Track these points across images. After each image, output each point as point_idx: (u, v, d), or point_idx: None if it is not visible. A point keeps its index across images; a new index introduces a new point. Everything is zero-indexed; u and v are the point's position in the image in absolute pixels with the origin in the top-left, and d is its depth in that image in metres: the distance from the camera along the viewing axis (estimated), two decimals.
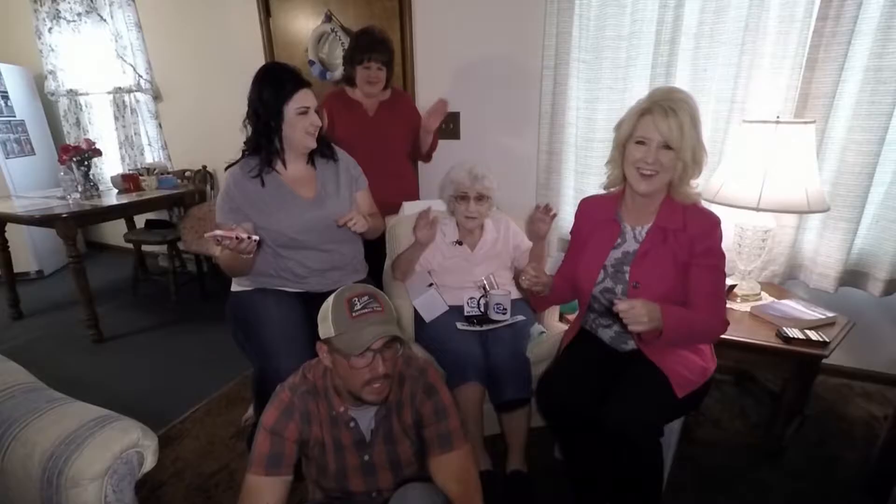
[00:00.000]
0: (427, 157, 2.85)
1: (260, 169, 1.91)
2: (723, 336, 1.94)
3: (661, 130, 1.52)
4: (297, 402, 1.38)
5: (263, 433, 1.36)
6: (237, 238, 1.60)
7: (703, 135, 1.57)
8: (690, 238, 1.60)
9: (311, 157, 2.02)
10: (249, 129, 1.93)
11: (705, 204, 1.74)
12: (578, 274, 1.78)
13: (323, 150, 2.02)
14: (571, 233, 1.92)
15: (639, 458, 1.59)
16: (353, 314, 1.26)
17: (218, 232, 1.58)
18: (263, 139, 1.89)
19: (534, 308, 2.17)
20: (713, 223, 1.61)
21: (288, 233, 1.91)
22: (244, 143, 1.96)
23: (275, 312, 1.92)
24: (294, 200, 1.94)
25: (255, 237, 1.64)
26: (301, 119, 1.87)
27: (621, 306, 1.42)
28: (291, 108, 1.85)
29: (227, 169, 1.96)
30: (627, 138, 1.60)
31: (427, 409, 1.41)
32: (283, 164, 1.95)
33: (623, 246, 1.72)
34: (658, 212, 1.66)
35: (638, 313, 1.41)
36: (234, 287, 2.06)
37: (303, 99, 1.86)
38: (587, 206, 1.86)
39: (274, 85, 1.85)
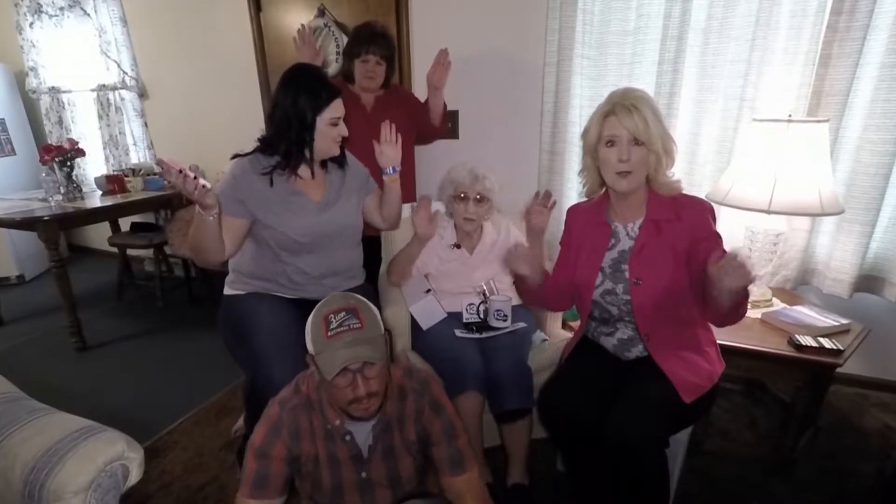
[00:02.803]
0: (441, 128, 2.82)
1: (273, 169, 1.90)
2: (732, 343, 1.97)
3: (628, 127, 1.59)
4: (285, 419, 1.38)
5: (251, 454, 1.37)
6: (181, 173, 1.52)
7: (669, 126, 1.73)
8: (689, 227, 1.65)
9: (324, 162, 2.03)
10: (271, 129, 1.91)
11: (713, 206, 1.78)
12: (577, 280, 1.82)
13: (336, 157, 2.03)
14: (561, 242, 1.97)
15: (642, 471, 1.60)
16: (329, 333, 1.25)
17: (165, 158, 1.53)
18: (293, 146, 1.88)
19: (521, 296, 2.17)
20: (706, 209, 1.69)
21: (293, 236, 1.92)
22: (258, 139, 1.95)
23: (268, 319, 1.92)
24: (301, 202, 1.95)
25: (204, 183, 1.59)
26: (332, 129, 1.88)
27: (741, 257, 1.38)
28: (325, 117, 1.86)
29: (233, 158, 1.94)
30: (597, 142, 1.68)
31: (436, 428, 1.42)
32: (311, 172, 1.97)
33: (618, 246, 1.77)
34: (647, 205, 1.72)
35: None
36: (227, 290, 2.07)
37: (336, 109, 1.87)
38: (575, 213, 1.93)
39: (309, 92, 1.84)
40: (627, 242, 1.75)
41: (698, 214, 1.66)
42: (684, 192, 1.72)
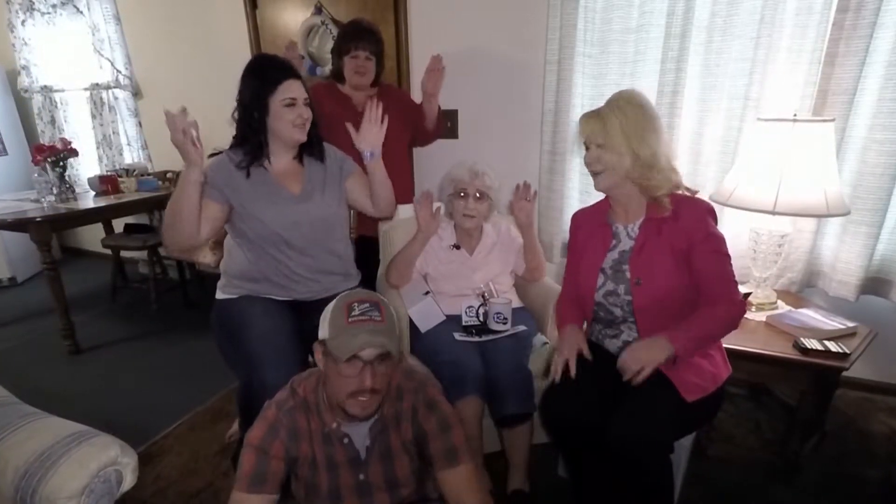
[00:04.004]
0: (436, 132, 2.86)
1: (248, 161, 1.94)
2: (736, 347, 1.97)
3: (585, 131, 1.70)
4: (283, 419, 1.39)
5: (248, 450, 1.38)
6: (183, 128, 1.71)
7: (672, 126, 1.74)
8: (685, 228, 1.66)
9: (300, 154, 2.05)
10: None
11: (717, 207, 1.80)
12: (579, 282, 1.85)
13: (313, 149, 2.05)
14: (568, 248, 1.99)
15: (646, 477, 1.60)
16: (350, 319, 1.28)
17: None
18: (250, 132, 1.93)
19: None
20: (704, 210, 1.70)
21: (272, 226, 1.93)
22: (233, 136, 2.00)
23: (262, 321, 1.92)
24: (280, 193, 1.97)
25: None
26: (288, 111, 1.89)
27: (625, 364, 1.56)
28: (277, 99, 1.88)
29: (210, 156, 1.98)
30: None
31: (430, 424, 1.43)
32: (268, 158, 1.98)
33: (619, 246, 1.80)
34: (647, 205, 1.74)
35: (636, 358, 1.54)
36: (219, 294, 2.08)
37: (288, 90, 1.88)
38: (579, 218, 1.97)
39: (259, 76, 1.90)
40: (628, 243, 1.77)
41: (694, 214, 1.67)
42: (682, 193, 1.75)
